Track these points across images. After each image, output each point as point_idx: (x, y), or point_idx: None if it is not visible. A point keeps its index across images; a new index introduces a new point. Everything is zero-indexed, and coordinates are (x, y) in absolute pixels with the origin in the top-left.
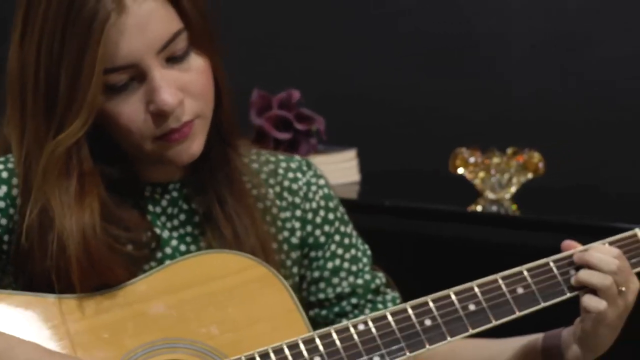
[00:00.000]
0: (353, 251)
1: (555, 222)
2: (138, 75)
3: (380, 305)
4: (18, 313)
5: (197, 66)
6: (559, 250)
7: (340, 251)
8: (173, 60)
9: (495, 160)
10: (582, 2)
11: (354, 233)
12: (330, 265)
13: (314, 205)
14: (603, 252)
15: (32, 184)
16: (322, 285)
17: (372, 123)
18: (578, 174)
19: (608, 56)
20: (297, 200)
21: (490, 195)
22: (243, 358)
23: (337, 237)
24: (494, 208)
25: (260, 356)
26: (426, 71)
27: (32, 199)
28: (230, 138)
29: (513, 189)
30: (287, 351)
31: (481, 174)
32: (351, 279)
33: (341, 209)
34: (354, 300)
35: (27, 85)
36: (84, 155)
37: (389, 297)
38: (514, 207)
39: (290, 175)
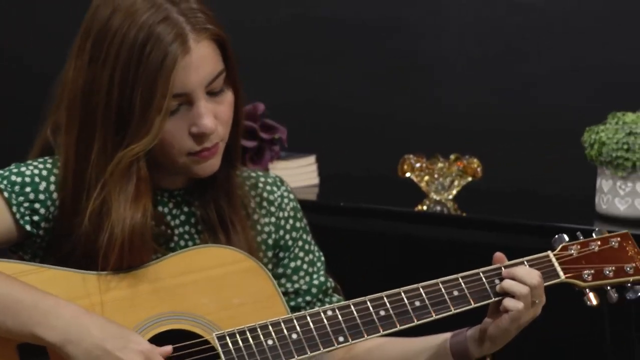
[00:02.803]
0: (311, 256)
1: (491, 221)
2: (187, 102)
3: (327, 306)
4: (64, 283)
5: (228, 99)
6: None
7: (301, 254)
8: (212, 93)
9: (439, 165)
10: (515, 24)
11: (313, 241)
12: (292, 264)
13: (286, 214)
14: (528, 270)
15: (89, 183)
16: (283, 280)
17: (330, 132)
18: (512, 177)
19: (539, 71)
20: (273, 209)
21: (435, 196)
22: (236, 331)
23: (300, 243)
24: (438, 208)
25: (249, 330)
26: (378, 85)
27: (96, 191)
28: (234, 159)
29: (454, 191)
30: (270, 327)
31: (426, 178)
32: (307, 278)
33: (305, 220)
34: (308, 298)
35: (98, 102)
36: (142, 164)
37: (335, 299)
38: (455, 207)
39: (268, 188)
